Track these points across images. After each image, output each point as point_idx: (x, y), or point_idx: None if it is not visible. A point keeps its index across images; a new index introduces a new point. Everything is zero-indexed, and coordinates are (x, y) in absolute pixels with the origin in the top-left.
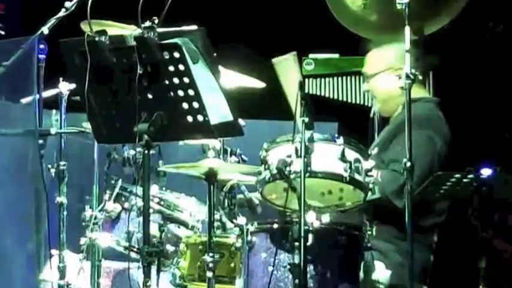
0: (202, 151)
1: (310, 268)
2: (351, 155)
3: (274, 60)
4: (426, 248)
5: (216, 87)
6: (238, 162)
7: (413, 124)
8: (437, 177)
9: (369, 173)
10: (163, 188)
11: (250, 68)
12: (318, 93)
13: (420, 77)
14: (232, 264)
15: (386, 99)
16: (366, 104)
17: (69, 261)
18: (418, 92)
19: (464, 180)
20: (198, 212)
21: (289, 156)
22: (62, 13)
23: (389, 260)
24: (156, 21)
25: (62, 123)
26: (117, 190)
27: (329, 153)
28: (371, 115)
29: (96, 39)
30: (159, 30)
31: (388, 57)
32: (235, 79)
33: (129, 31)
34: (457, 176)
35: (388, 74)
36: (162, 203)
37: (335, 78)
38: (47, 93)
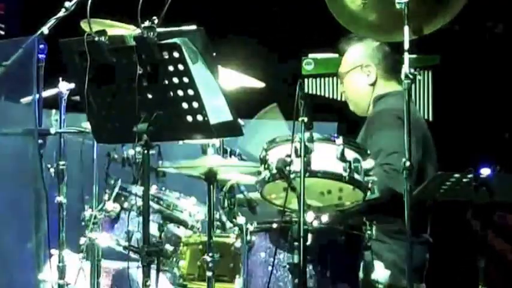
0: (202, 151)
1: (310, 268)
2: (351, 154)
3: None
4: (420, 245)
5: (215, 87)
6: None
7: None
8: (437, 177)
9: (369, 173)
10: (163, 188)
11: (250, 67)
12: (318, 93)
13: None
14: (232, 264)
15: (357, 98)
16: None
17: (69, 261)
18: (385, 87)
19: (464, 180)
20: (198, 212)
21: (289, 156)
22: (61, 13)
23: (382, 259)
24: (156, 21)
25: (61, 123)
26: (116, 190)
27: (328, 153)
28: None
29: (96, 39)
30: (159, 30)
31: (355, 56)
32: (235, 79)
33: (128, 31)
34: (457, 176)
35: (355, 73)
36: (161, 203)
37: (335, 78)
38: (47, 93)
